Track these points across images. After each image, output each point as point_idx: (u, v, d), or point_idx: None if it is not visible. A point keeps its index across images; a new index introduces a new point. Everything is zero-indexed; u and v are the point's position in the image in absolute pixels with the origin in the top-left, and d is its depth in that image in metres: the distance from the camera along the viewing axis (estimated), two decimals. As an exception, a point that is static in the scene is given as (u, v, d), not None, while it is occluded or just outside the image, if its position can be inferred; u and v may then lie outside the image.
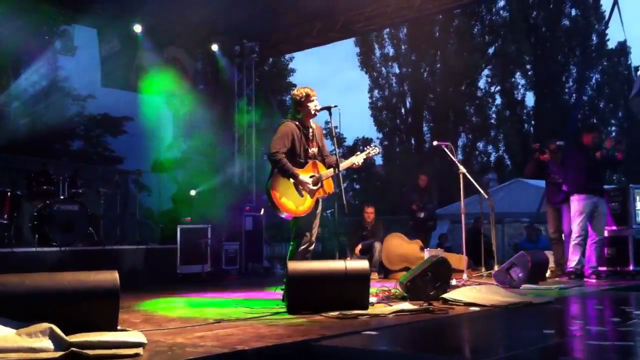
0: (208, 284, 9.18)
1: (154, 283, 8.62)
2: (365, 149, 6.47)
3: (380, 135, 34.04)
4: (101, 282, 3.72)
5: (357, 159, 6.26)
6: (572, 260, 8.43)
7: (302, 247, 5.90)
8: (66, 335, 3.35)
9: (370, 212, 10.72)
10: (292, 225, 5.97)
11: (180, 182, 13.81)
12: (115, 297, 3.72)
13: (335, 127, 5.91)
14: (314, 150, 6.06)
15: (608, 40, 31.22)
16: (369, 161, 6.50)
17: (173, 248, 9.78)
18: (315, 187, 5.91)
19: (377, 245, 10.14)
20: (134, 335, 3.54)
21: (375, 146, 6.53)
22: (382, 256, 10.03)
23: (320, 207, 6.11)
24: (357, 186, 30.78)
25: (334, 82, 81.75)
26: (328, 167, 6.07)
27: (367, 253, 10.15)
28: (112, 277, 3.74)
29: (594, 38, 32.93)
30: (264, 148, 15.67)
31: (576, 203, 8.41)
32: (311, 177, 5.91)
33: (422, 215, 11.49)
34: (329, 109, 5.99)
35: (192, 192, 12.53)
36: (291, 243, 6.01)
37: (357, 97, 59.47)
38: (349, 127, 31.07)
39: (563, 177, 8.81)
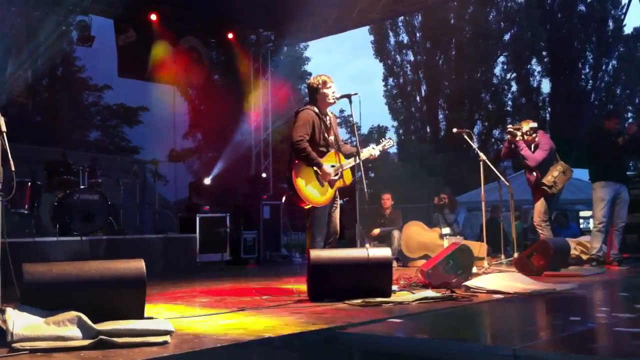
0: (227, 273, 9.22)
1: (173, 271, 8.67)
2: (381, 141, 6.44)
3: (395, 124, 34.02)
4: (128, 270, 3.73)
5: (374, 151, 6.24)
6: (594, 248, 8.36)
7: (319, 238, 5.88)
8: (94, 323, 3.37)
9: (387, 199, 10.74)
10: (308, 215, 5.92)
11: (197, 171, 13.84)
12: (142, 285, 3.73)
13: (350, 116, 5.88)
14: (331, 138, 6.03)
15: (625, 25, 30.97)
16: (384, 152, 6.47)
17: (192, 237, 9.82)
18: (336, 177, 5.90)
19: (395, 233, 10.15)
20: (161, 323, 3.55)
21: (390, 138, 6.50)
22: (401, 244, 10.02)
23: (338, 197, 6.11)
24: (372, 174, 30.71)
25: (345, 71, 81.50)
26: (346, 157, 6.05)
27: (385, 241, 10.16)
28: (139, 265, 3.76)
29: (611, 24, 32.62)
30: (279, 137, 15.70)
31: (598, 190, 8.32)
32: (332, 166, 5.89)
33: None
34: (349, 96, 5.95)
35: (207, 181, 12.58)
36: (308, 233, 5.97)
37: (369, 85, 59.17)
38: (363, 115, 31.03)
39: (532, 160, 8.51)
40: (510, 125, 8.70)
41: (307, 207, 5.77)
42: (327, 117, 6.05)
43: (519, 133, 8.39)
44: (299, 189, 5.68)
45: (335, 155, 5.97)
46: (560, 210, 14.19)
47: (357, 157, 5.90)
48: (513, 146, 8.52)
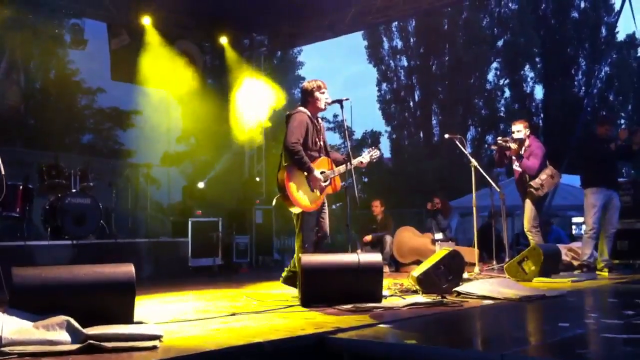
0: (219, 277, 9.22)
1: (165, 276, 8.66)
2: (368, 151, 6.46)
3: (389, 128, 34.01)
4: (117, 274, 3.73)
5: (364, 159, 6.27)
6: (585, 254, 8.38)
7: (308, 244, 5.88)
8: (83, 327, 3.37)
9: (376, 206, 10.76)
10: (296, 220, 5.93)
11: (190, 175, 13.84)
12: (132, 289, 3.73)
13: (342, 121, 5.90)
14: (320, 143, 6.05)
15: (617, 32, 31.11)
16: (372, 162, 6.48)
17: (184, 241, 9.81)
18: (325, 184, 5.91)
19: (387, 238, 10.16)
20: (150, 328, 3.56)
21: (376, 149, 6.52)
22: (393, 249, 10.04)
23: (326, 203, 6.12)
24: (366, 179, 30.74)
25: (339, 76, 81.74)
26: (335, 164, 6.07)
27: (377, 246, 10.17)
28: (128, 270, 3.76)
29: (604, 30, 32.75)
30: (273, 141, 15.71)
31: (590, 196, 8.33)
32: (321, 172, 5.90)
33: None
34: (340, 102, 5.98)
35: (200, 184, 12.57)
36: (297, 239, 5.97)
37: (363, 90, 59.36)
38: (356, 120, 31.08)
39: (531, 170, 8.40)
40: (500, 138, 8.67)
41: (295, 210, 5.79)
42: (318, 122, 6.08)
43: (513, 146, 8.36)
44: (290, 193, 5.69)
45: (324, 161, 5.98)
46: (546, 215, 14.19)
47: (349, 163, 5.92)
48: (508, 154, 8.52)
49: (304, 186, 5.77)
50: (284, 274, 6.20)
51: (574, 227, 17.54)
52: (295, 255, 6.00)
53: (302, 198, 5.74)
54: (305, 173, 5.77)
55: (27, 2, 10.48)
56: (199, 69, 13.05)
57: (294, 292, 5.86)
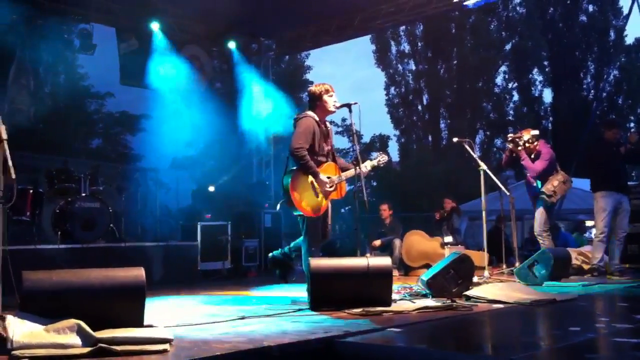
0: (228, 281, 9.22)
1: (175, 280, 8.65)
2: (375, 156, 6.47)
3: (397, 132, 34.01)
4: (128, 278, 3.75)
5: (369, 165, 6.27)
6: (595, 258, 8.34)
7: (315, 247, 5.89)
8: (93, 331, 3.38)
9: (384, 209, 10.75)
10: (302, 225, 5.95)
11: (199, 179, 13.84)
12: (142, 293, 3.74)
13: (351, 125, 5.90)
14: (328, 148, 6.05)
15: (626, 36, 31.03)
16: (379, 167, 6.47)
17: (193, 245, 9.81)
18: (330, 189, 5.91)
19: (397, 242, 10.14)
20: (160, 332, 3.56)
21: (384, 154, 6.52)
22: (402, 253, 10.01)
23: (330, 207, 6.12)
24: (374, 183, 30.72)
25: (346, 80, 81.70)
26: (341, 170, 6.07)
27: (386, 250, 10.15)
28: (138, 273, 3.77)
29: (612, 34, 32.68)
30: (281, 145, 15.73)
31: (600, 200, 8.29)
32: (327, 178, 5.90)
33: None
34: (349, 105, 5.98)
35: (211, 188, 12.57)
36: (303, 242, 5.97)
37: (371, 94, 59.30)
38: (364, 124, 31.00)
39: (533, 171, 8.43)
40: (511, 134, 8.67)
41: (298, 214, 5.79)
42: (325, 126, 6.08)
43: (520, 142, 8.37)
44: (294, 197, 5.71)
45: (330, 167, 5.99)
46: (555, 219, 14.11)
47: (357, 167, 5.91)
48: (514, 155, 8.51)
49: (308, 191, 5.78)
50: (275, 252, 6.24)
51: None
52: (295, 242, 6.13)
53: (306, 202, 5.75)
54: (311, 177, 5.78)
55: (37, 6, 10.53)
56: (207, 73, 13.08)
57: (301, 293, 5.86)
